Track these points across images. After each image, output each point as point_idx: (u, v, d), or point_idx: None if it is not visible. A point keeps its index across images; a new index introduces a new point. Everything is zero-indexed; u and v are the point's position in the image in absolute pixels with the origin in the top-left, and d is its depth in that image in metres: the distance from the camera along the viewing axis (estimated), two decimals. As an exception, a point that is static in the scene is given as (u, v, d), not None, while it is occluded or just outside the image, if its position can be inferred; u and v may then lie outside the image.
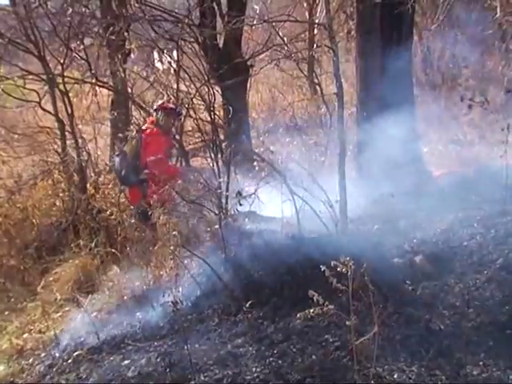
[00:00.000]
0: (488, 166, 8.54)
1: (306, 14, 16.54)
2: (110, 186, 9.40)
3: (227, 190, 6.23)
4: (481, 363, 4.23)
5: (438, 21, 15.34)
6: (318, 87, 13.02)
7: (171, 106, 8.45)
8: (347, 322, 3.94)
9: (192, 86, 9.54)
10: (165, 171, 7.64)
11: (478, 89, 12.11)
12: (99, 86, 11.13)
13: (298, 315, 4.24)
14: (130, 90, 10.78)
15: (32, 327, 6.58)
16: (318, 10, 16.46)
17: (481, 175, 8.33)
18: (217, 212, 5.95)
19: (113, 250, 7.71)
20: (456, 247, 5.88)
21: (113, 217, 8.30)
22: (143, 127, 8.30)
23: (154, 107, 8.45)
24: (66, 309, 6.77)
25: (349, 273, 3.78)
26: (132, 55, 11.74)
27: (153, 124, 8.13)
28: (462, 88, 13.09)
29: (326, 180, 6.30)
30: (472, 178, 8.38)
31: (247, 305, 5.10)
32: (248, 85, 11.37)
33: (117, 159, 8.27)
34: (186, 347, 4.52)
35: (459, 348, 4.36)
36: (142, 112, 10.23)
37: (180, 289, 5.55)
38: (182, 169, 8.44)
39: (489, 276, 5.15)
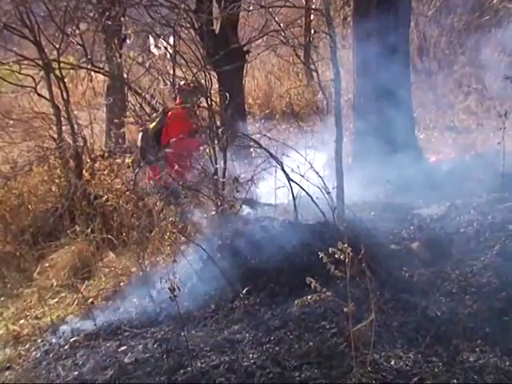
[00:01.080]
0: (485, 152, 8.56)
1: (303, -1, 16.48)
2: (105, 172, 9.36)
3: (224, 177, 6.23)
4: (477, 350, 4.24)
5: (435, 7, 15.30)
6: (314, 73, 12.98)
7: (195, 84, 8.45)
8: (344, 309, 3.93)
9: (188, 71, 9.51)
10: (187, 146, 7.70)
11: (474, 75, 12.12)
12: (95, 72, 11.09)
13: (296, 302, 4.24)
14: (125, 76, 10.74)
15: (28, 313, 6.56)
16: (315, -5, 16.39)
17: (477, 162, 8.34)
18: (214, 198, 5.95)
19: (109, 236, 7.70)
20: (453, 234, 5.89)
21: (109, 203, 8.27)
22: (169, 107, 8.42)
23: (177, 87, 8.54)
24: (63, 295, 6.76)
25: (346, 259, 3.77)
26: (128, 41, 11.69)
27: (179, 105, 8.21)
28: (459, 75, 13.08)
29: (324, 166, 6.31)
30: (468, 165, 8.39)
31: (244, 291, 5.10)
32: (244, 71, 11.33)
33: (139, 135, 8.42)
34: (182, 333, 4.52)
35: (456, 335, 4.37)
36: (137, 98, 10.20)
37: (177, 275, 5.56)
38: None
39: (485, 263, 5.17)
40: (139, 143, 8.38)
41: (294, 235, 5.43)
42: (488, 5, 15.19)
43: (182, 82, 8.62)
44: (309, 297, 4.08)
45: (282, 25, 12.49)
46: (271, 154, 6.26)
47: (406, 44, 9.16)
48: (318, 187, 5.71)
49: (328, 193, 5.66)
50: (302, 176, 5.96)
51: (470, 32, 14.44)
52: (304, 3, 15.47)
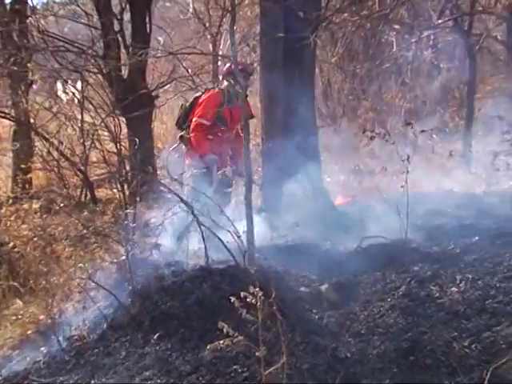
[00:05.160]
0: (388, 195, 8.78)
1: (210, 45, 16.67)
2: (12, 218, 9.20)
3: (134, 222, 6.21)
4: (386, 389, 4.32)
5: (338, 54, 15.72)
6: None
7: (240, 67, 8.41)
8: (256, 353, 3.96)
9: (97, 116, 9.49)
10: (195, 140, 7.92)
11: (377, 120, 12.47)
12: (1, 117, 10.94)
13: (208, 347, 4.24)
14: (32, 121, 10.63)
15: None
16: (222, 42, 16.61)
17: (382, 204, 8.55)
18: (123, 243, 5.92)
19: (15, 284, 7.55)
20: (360, 275, 6.00)
21: (16, 249, 8.12)
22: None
23: (222, 74, 8.55)
24: (-33, 345, 6.57)
25: (258, 303, 3.81)
26: (34, 86, 11.59)
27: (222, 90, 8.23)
28: (362, 120, 13.44)
29: (233, 211, 6.36)
30: (373, 207, 8.59)
31: (155, 337, 5.07)
32: (153, 116, 11.37)
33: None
34: (92, 382, 4.46)
35: (365, 375, 4.44)
36: (45, 143, 10.09)
37: (86, 322, 5.49)
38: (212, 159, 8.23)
39: (392, 303, 5.28)
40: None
41: (204, 279, 5.44)
42: (388, 53, 15.71)
43: (227, 66, 8.54)
44: (220, 341, 4.09)
45: (190, 70, 12.62)
46: (181, 199, 6.28)
47: (312, 90, 9.37)
48: (229, 231, 5.75)
49: (238, 236, 5.71)
50: (213, 220, 5.99)
51: (371, 78, 14.89)
52: (211, 49, 15.66)
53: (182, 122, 8.31)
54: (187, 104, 8.39)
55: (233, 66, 7.92)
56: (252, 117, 8.28)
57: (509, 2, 6.97)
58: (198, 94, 8.39)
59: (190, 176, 7.65)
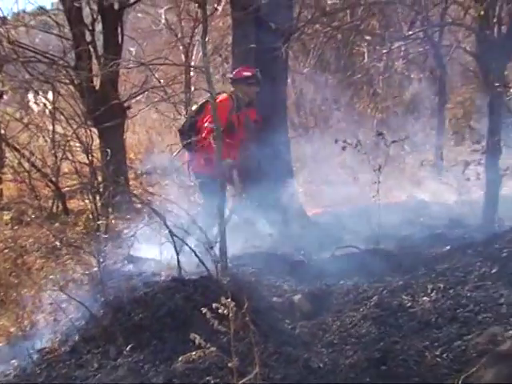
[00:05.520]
0: (360, 204, 8.84)
1: (182, 56, 16.66)
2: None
3: (106, 233, 6.19)
4: (358, 399, 4.33)
5: (310, 65, 15.79)
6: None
7: (248, 73, 8.25)
8: (229, 364, 3.96)
9: (68, 127, 9.45)
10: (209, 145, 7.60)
11: (349, 131, 12.52)
12: (-29, 128, 10.86)
13: (180, 358, 4.23)
14: (3, 132, 10.57)
15: None
16: (194, 52, 16.61)
17: (354, 214, 8.60)
18: (96, 255, 5.89)
19: (-15, 297, 7.48)
20: (333, 285, 6.02)
21: (-14, 263, 8.05)
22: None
23: (231, 78, 8.38)
24: None
25: (230, 314, 3.81)
26: (5, 96, 11.52)
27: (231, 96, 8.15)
28: (334, 130, 13.48)
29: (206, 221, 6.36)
30: (346, 217, 8.64)
31: (127, 348, 5.05)
32: (125, 126, 11.34)
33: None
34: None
35: (337, 385, 4.45)
36: (16, 154, 10.03)
37: (58, 334, 5.45)
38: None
39: (364, 313, 5.29)
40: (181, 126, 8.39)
41: (177, 290, 5.43)
42: (359, 63, 15.82)
43: (236, 70, 8.45)
44: (193, 353, 4.09)
45: (162, 81, 12.61)
46: (153, 210, 6.27)
47: (284, 100, 9.41)
48: (202, 242, 5.75)
49: (211, 247, 5.71)
50: (185, 231, 5.99)
51: (343, 89, 14.95)
52: (183, 60, 15.64)
53: (190, 127, 8.18)
54: (193, 109, 8.33)
55: (243, 73, 8.16)
56: (259, 124, 8.29)
57: (478, 13, 7.05)
58: (205, 99, 8.28)
59: (201, 182, 7.81)
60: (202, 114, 8.07)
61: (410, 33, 13.33)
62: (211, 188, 7.06)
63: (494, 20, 7.34)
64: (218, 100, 7.90)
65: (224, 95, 8.10)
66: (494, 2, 7.20)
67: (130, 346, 5.05)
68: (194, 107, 8.35)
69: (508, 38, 7.43)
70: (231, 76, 8.37)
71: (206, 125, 7.83)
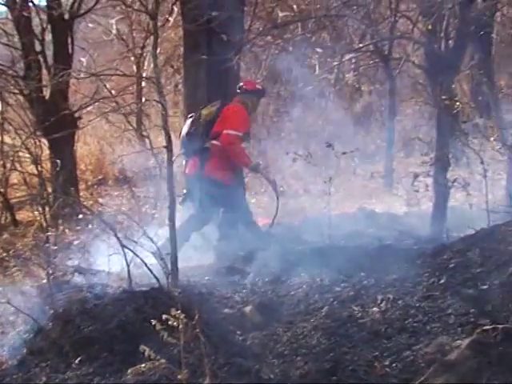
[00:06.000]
0: (312, 216, 8.89)
1: (134, 67, 16.62)
2: None
3: (55, 244, 6.12)
4: (308, 410, 4.34)
5: (262, 76, 15.85)
6: (147, 140, 13.07)
7: (259, 86, 8.41)
8: (178, 376, 3.94)
9: (18, 138, 9.34)
10: (236, 153, 7.84)
11: (300, 142, 12.59)
12: None
13: (129, 370, 4.20)
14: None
15: None
16: (146, 63, 16.58)
17: (306, 225, 8.64)
18: (45, 266, 5.82)
19: None
20: (284, 296, 6.02)
21: None
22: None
23: (241, 88, 8.27)
24: None
25: (179, 326, 3.80)
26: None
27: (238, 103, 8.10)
28: (286, 141, 13.54)
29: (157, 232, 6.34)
30: (297, 228, 8.67)
31: (76, 361, 4.99)
32: (76, 137, 11.26)
33: (189, 121, 8.17)
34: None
35: (288, 396, 4.46)
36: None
37: (5, 347, 5.37)
38: (256, 164, 8.35)
39: (315, 324, 5.31)
40: (186, 129, 8.14)
41: (127, 302, 5.39)
42: (311, 75, 15.91)
43: (247, 81, 8.44)
44: (142, 365, 4.06)
45: (113, 92, 12.55)
46: (103, 221, 6.23)
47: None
48: (152, 253, 5.73)
49: (162, 258, 5.69)
50: (136, 242, 5.95)
51: (295, 101, 15.03)
52: (135, 71, 15.62)
53: (205, 132, 8.02)
54: (206, 113, 8.16)
55: (256, 85, 8.52)
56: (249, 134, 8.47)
57: (426, 27, 7.18)
58: (217, 104, 8.21)
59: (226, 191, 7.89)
60: (218, 120, 8.01)
61: (361, 45, 13.51)
62: (229, 193, 7.78)
63: (442, 34, 7.47)
64: (237, 107, 7.99)
65: (238, 104, 8.12)
66: (441, 17, 7.32)
67: (79, 358, 4.99)
68: (206, 111, 8.16)
69: (455, 51, 7.57)
70: (245, 86, 8.31)
71: (230, 131, 7.85)
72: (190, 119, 8.20)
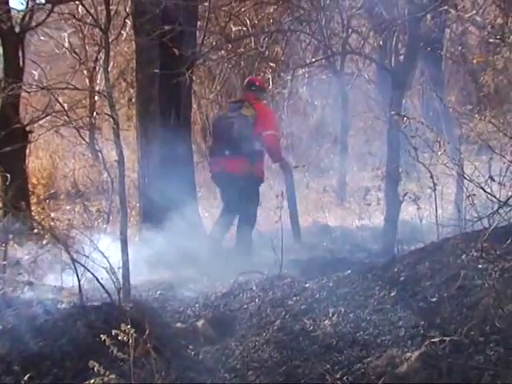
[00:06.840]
0: (265, 230, 8.91)
1: (87, 80, 16.53)
2: None
3: (5, 259, 6.05)
4: (260, 424, 4.35)
5: (216, 90, 15.89)
6: (99, 154, 13.01)
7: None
8: (129, 391, 3.92)
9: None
10: (279, 152, 8.19)
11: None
12: None
13: (79, 386, 4.17)
14: None
15: None
16: (99, 77, 16.50)
17: (259, 239, 8.65)
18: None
19: None
20: (236, 310, 6.03)
21: None
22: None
23: (254, 85, 8.37)
24: None
25: (130, 341, 3.78)
26: None
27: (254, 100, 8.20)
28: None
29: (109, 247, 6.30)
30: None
31: (25, 378, 4.92)
32: (27, 151, 11.15)
33: (235, 120, 8.13)
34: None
35: (239, 411, 4.46)
36: None
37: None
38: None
39: (267, 338, 5.32)
40: (237, 128, 8.11)
41: (78, 318, 5.34)
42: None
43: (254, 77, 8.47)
44: (91, 381, 4.03)
45: (65, 105, 12.47)
46: (54, 236, 6.18)
47: (188, 125, 9.45)
48: (104, 267, 5.69)
49: (113, 273, 5.65)
50: (87, 257, 5.91)
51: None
52: (88, 85, 15.54)
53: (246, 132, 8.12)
54: (252, 118, 8.10)
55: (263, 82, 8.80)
56: None
57: (377, 43, 7.30)
58: (249, 106, 8.22)
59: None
60: (259, 121, 8.09)
61: (313, 60, 13.63)
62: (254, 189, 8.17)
63: (392, 50, 7.58)
64: (269, 109, 8.21)
65: (263, 104, 8.48)
66: (391, 33, 7.43)
67: (28, 375, 4.93)
68: (249, 112, 8.14)
69: (405, 67, 7.68)
70: (257, 84, 8.49)
71: (274, 132, 8.16)
72: (235, 119, 8.18)
